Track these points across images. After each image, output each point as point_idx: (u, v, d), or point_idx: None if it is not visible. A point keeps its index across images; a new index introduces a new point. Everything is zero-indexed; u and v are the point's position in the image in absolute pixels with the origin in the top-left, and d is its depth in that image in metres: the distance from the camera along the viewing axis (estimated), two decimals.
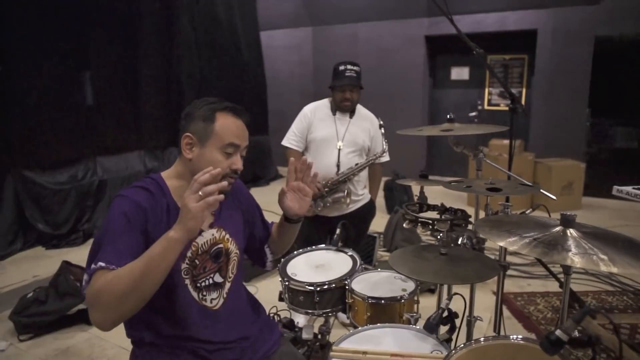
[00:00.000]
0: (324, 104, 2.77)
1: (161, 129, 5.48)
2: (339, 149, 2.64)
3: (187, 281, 1.31)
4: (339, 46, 7.34)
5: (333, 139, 2.66)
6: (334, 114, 2.70)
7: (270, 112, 7.55)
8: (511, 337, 1.12)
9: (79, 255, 4.03)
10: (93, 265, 1.15)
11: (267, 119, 7.53)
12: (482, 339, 1.13)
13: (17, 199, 4.24)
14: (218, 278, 1.38)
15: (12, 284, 3.54)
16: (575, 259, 1.07)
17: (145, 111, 5.35)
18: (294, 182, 1.45)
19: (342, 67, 2.64)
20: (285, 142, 2.77)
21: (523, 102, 6.60)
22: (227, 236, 1.40)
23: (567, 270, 1.34)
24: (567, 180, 5.32)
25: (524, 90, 6.63)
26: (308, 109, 2.76)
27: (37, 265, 3.89)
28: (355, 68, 2.64)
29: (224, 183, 1.15)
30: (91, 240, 4.62)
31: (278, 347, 1.48)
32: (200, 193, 1.08)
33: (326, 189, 2.60)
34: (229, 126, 1.31)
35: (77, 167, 4.71)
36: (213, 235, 1.36)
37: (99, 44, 4.81)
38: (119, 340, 2.71)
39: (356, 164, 2.63)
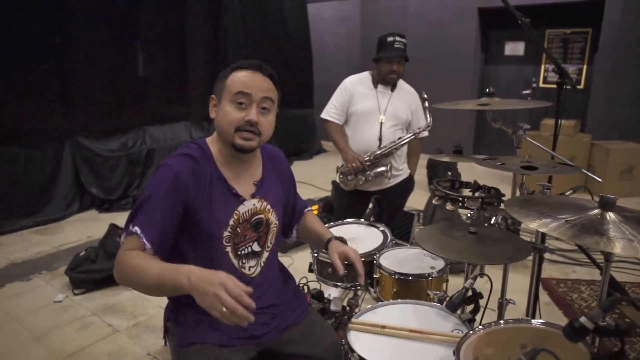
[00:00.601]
0: (365, 76, 2.71)
1: (207, 101, 5.58)
2: (381, 123, 2.59)
3: (229, 249, 1.34)
4: (388, 19, 7.12)
5: (375, 112, 2.61)
6: (375, 87, 2.64)
7: (315, 86, 7.50)
8: (532, 321, 1.07)
9: None
10: (130, 227, 1.22)
11: (312, 92, 7.49)
12: (502, 321, 1.09)
13: (74, 164, 4.53)
14: (256, 247, 1.40)
15: (69, 242, 3.83)
16: (611, 243, 1.01)
17: (192, 83, 5.49)
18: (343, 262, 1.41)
19: (390, 39, 2.54)
20: (325, 115, 2.73)
21: (583, 80, 6.17)
22: (268, 207, 1.41)
23: (607, 257, 1.26)
24: (627, 164, 4.96)
25: (584, 67, 6.19)
26: (349, 81, 2.70)
27: (91, 227, 4.16)
28: (403, 40, 2.57)
29: (251, 318, 0.99)
30: None
31: (306, 316, 1.50)
32: (224, 309, 0.98)
33: (368, 163, 2.58)
34: (238, 77, 1.30)
35: (128, 136, 4.94)
36: (254, 205, 1.38)
37: (149, 16, 4.95)
38: (159, 300, 2.86)
39: (399, 138, 2.59)
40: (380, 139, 2.59)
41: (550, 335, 1.03)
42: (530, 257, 3.59)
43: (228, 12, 5.78)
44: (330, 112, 2.71)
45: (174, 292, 1.12)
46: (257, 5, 6.25)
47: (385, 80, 2.61)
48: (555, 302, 2.92)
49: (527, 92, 2.32)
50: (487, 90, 1.68)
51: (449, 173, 1.66)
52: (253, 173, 1.42)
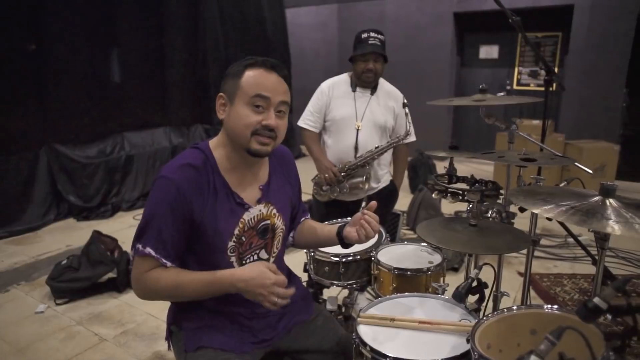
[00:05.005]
0: (343, 79, 2.52)
1: (186, 106, 5.53)
2: (358, 130, 2.40)
3: (233, 258, 1.29)
4: (365, 24, 7.10)
5: (352, 118, 2.43)
6: (354, 91, 2.46)
7: (294, 91, 7.41)
8: (545, 306, 1.10)
9: (108, 227, 4.15)
10: (139, 246, 1.19)
11: (291, 97, 7.49)
12: (514, 307, 1.11)
13: (51, 172, 4.38)
14: (263, 254, 1.36)
15: (48, 251, 3.70)
16: (615, 227, 1.04)
17: (170, 88, 5.40)
18: (365, 220, 1.31)
19: (365, 35, 2.37)
20: (301, 123, 2.55)
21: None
22: (274, 211, 1.36)
23: (602, 244, 1.31)
24: (600, 162, 5.15)
25: (556, 70, 6.40)
26: (326, 85, 2.52)
27: (70, 236, 4.04)
28: (379, 36, 2.38)
29: (291, 291, 1.17)
30: (120, 214, 4.76)
31: (312, 314, 1.48)
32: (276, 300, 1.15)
33: (343, 174, 2.40)
34: (255, 78, 1.21)
35: (106, 142, 4.83)
36: (260, 211, 1.32)
37: (126, 21, 4.86)
38: (147, 307, 2.80)
39: (376, 147, 2.38)
40: (356, 148, 2.41)
41: (561, 320, 1.06)
42: (515, 254, 3.65)
43: (206, 16, 5.73)
44: (306, 120, 2.53)
45: (206, 294, 1.23)
46: (236, 8, 6.22)
47: (362, 80, 2.42)
48: (540, 295, 3.00)
49: (502, 94, 2.38)
50: (481, 87, 1.72)
51: (445, 168, 1.69)
52: (259, 177, 1.35)
